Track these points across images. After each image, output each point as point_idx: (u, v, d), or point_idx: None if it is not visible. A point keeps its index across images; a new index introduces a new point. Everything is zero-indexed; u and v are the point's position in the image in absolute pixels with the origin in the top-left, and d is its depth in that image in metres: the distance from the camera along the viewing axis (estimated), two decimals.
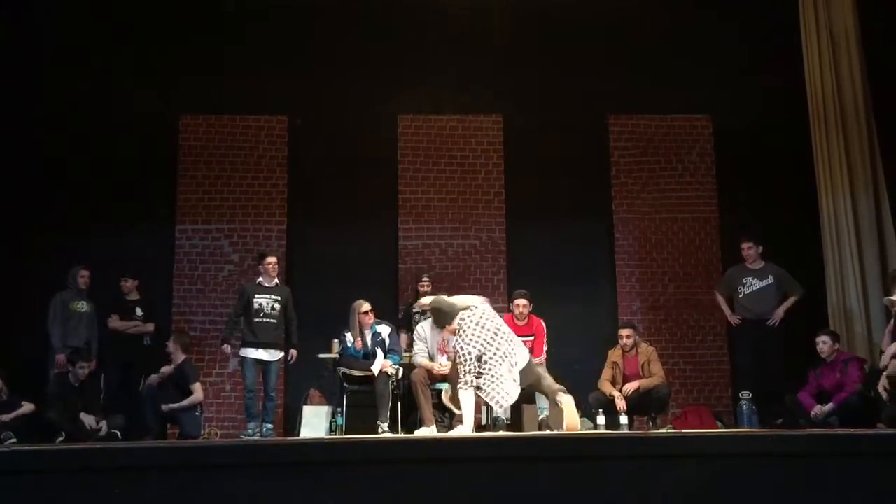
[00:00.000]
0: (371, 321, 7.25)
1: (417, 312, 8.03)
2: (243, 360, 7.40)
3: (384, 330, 7.29)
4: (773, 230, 8.67)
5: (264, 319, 7.38)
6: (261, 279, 7.55)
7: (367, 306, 7.25)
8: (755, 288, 7.64)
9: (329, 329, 7.69)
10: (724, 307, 7.89)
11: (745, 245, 7.79)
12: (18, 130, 8.44)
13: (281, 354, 7.47)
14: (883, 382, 6.10)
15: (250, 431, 7.28)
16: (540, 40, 9.11)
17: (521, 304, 7.49)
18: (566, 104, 9.13)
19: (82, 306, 7.72)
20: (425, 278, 8.39)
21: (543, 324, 7.54)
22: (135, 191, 8.72)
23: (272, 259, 7.57)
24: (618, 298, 9.17)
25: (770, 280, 7.64)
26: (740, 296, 7.72)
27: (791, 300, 7.61)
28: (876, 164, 8.12)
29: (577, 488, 2.97)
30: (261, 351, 7.35)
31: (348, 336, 7.21)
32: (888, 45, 8.04)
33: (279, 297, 7.46)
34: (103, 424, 7.06)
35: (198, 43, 8.88)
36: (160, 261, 8.88)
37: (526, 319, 7.49)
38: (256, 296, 7.42)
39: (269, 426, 7.36)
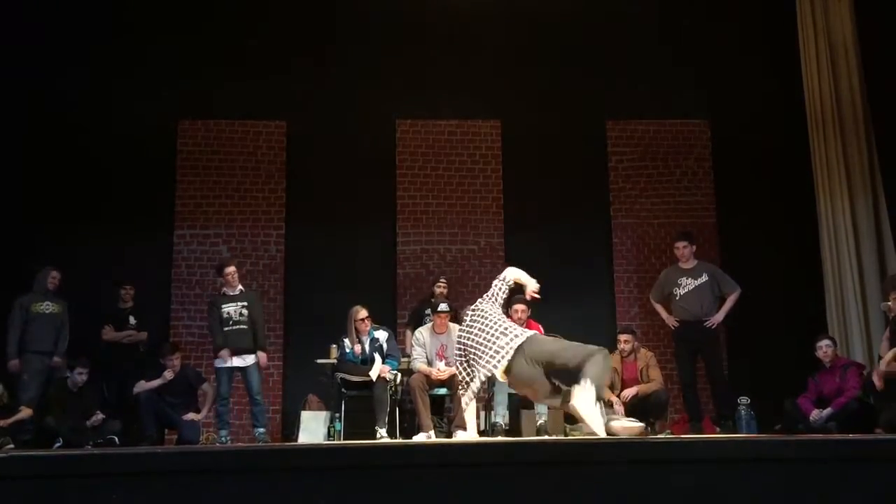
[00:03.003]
0: (368, 327, 7.24)
1: (429, 315, 8.02)
2: (217, 369, 7.37)
3: (382, 335, 7.29)
4: (772, 235, 8.69)
5: (234, 327, 7.34)
6: (225, 289, 7.50)
7: (363, 313, 7.25)
8: (690, 287, 7.39)
9: (327, 334, 7.68)
10: (661, 312, 7.63)
11: (679, 244, 7.56)
12: (16, 135, 8.44)
13: (253, 358, 7.41)
14: (880, 367, 6.02)
15: (223, 439, 7.26)
16: (538, 45, 9.14)
17: (520, 309, 7.48)
18: (564, 109, 9.14)
19: (47, 307, 7.52)
20: (443, 280, 8.34)
21: (542, 329, 7.53)
22: (132, 196, 8.72)
23: (230, 269, 7.51)
24: (616, 303, 9.18)
25: (704, 278, 7.38)
26: (677, 297, 7.46)
27: (731, 301, 7.35)
28: (874, 169, 8.14)
29: (576, 494, 2.96)
30: (234, 359, 7.31)
31: (346, 341, 7.21)
32: (885, 51, 8.06)
33: (246, 303, 7.43)
34: (98, 415, 7.07)
35: (195, 47, 8.89)
36: (158, 266, 8.88)
37: (524, 325, 7.47)
38: (223, 306, 7.38)
39: (262, 430, 7.31)
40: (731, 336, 8.21)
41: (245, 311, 7.39)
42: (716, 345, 7.39)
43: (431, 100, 9.35)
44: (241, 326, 7.37)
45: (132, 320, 7.93)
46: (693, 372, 7.50)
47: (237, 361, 7.33)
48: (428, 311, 8.11)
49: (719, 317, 7.34)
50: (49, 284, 7.58)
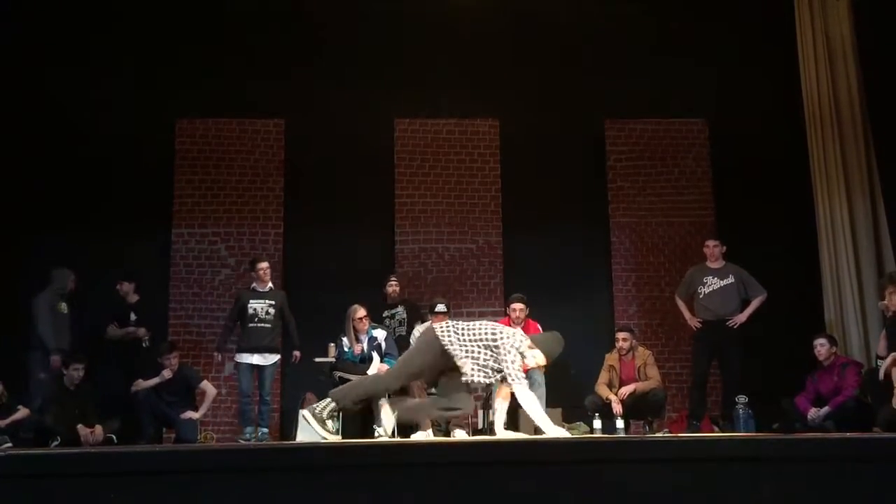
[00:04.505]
0: (366, 326, 7.25)
1: (387, 317, 8.02)
2: (238, 365, 7.45)
3: (380, 334, 7.29)
4: (769, 235, 8.70)
5: (259, 324, 7.45)
6: (254, 285, 7.62)
7: (362, 312, 7.26)
8: (716, 287, 7.49)
9: (326, 333, 7.68)
10: (685, 311, 7.71)
11: (710, 243, 7.68)
12: (14, 133, 8.43)
13: (275, 358, 7.53)
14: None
15: (247, 436, 7.29)
16: (536, 44, 9.13)
17: (518, 308, 7.50)
18: (562, 108, 9.14)
19: (64, 308, 7.64)
20: (394, 278, 8.33)
21: (540, 328, 7.54)
22: (131, 194, 8.72)
23: (264, 265, 7.63)
24: (614, 302, 9.18)
25: (731, 279, 7.48)
26: (701, 296, 7.55)
27: (755, 303, 7.46)
28: (872, 168, 8.14)
29: (574, 492, 2.97)
30: (255, 356, 7.43)
31: (345, 340, 7.22)
32: (883, 51, 8.06)
33: (273, 302, 7.53)
34: (99, 430, 7.03)
35: (194, 46, 8.88)
36: (157, 265, 8.87)
37: (522, 323, 7.49)
38: (251, 301, 7.49)
39: (265, 430, 7.39)
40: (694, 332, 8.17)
41: (272, 310, 7.50)
42: (735, 346, 7.41)
43: (430, 99, 9.34)
44: (266, 325, 7.46)
45: (133, 316, 7.93)
46: (706, 371, 7.54)
47: (258, 359, 7.42)
48: (385, 313, 8.07)
49: (742, 317, 7.41)
50: (70, 285, 7.67)
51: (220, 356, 7.63)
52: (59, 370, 7.30)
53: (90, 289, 7.94)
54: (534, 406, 5.19)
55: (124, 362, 7.77)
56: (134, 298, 8.01)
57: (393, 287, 8.19)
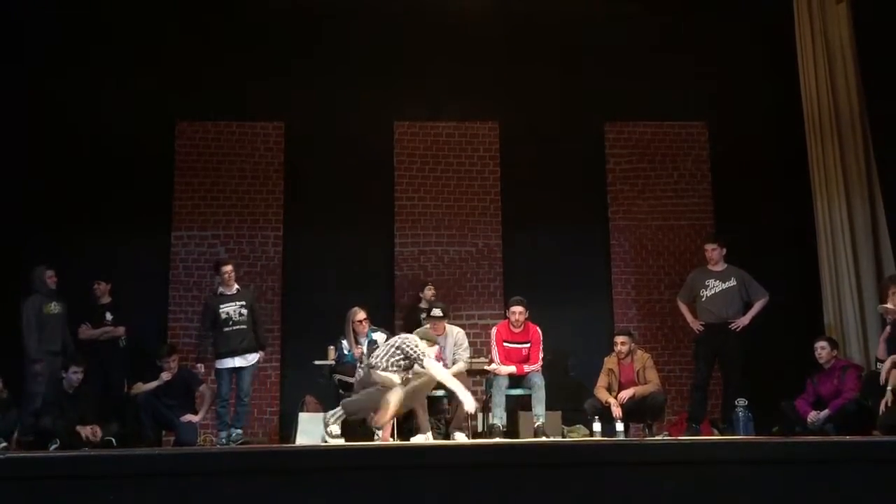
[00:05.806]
0: (366, 329, 7.25)
1: (425, 318, 8.02)
2: (218, 370, 7.38)
3: (380, 337, 7.28)
4: (769, 238, 8.70)
5: (234, 327, 7.35)
6: (221, 289, 7.50)
7: (362, 314, 7.25)
8: (718, 290, 7.50)
9: (325, 336, 7.68)
10: (687, 314, 7.72)
11: (708, 247, 7.70)
12: (15, 135, 8.43)
13: (255, 357, 7.45)
14: (887, 398, 6.02)
15: (223, 440, 7.26)
16: (536, 47, 9.14)
17: (518, 311, 7.49)
18: (562, 111, 9.15)
19: (55, 307, 7.50)
20: (431, 285, 8.54)
21: (539, 331, 7.54)
22: (131, 197, 8.71)
23: (228, 268, 7.50)
24: (613, 305, 9.17)
25: (733, 282, 7.49)
26: (703, 299, 7.56)
27: (758, 306, 7.47)
28: (871, 171, 8.13)
29: (574, 495, 2.97)
30: (236, 359, 7.34)
31: (344, 343, 7.21)
32: (883, 53, 8.06)
33: (244, 302, 7.43)
34: (97, 430, 7.02)
35: (194, 49, 8.88)
36: (156, 267, 8.87)
37: (522, 327, 7.48)
38: (221, 306, 7.37)
39: (239, 431, 7.29)
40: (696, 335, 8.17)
41: (244, 311, 7.39)
42: (737, 348, 7.42)
43: (430, 101, 9.35)
44: (242, 326, 7.37)
45: (108, 316, 7.83)
46: (708, 374, 7.54)
47: (239, 361, 7.35)
48: (424, 316, 8.07)
49: (745, 320, 7.42)
50: (49, 283, 7.55)
51: (202, 367, 7.54)
52: (41, 375, 7.17)
53: (89, 291, 7.92)
54: (443, 373, 6.12)
55: (101, 361, 7.70)
56: (107, 300, 7.93)
57: (431, 292, 8.43)
